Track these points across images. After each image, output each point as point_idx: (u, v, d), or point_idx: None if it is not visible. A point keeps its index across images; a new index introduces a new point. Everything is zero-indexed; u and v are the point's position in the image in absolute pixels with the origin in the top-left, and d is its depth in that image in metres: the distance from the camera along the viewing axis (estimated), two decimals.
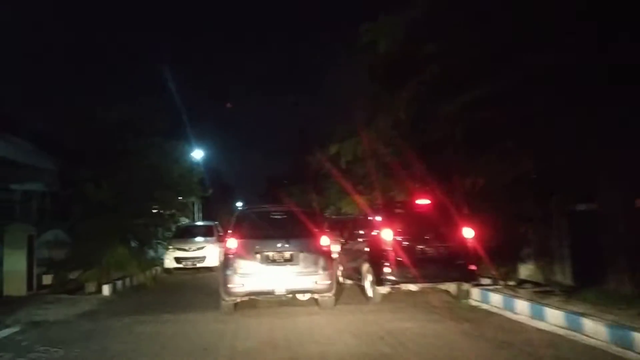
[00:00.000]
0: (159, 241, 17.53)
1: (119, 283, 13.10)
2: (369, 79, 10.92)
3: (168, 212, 18.61)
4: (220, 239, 20.17)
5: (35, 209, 18.48)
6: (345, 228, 14.86)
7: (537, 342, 6.50)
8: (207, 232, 19.29)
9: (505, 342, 6.51)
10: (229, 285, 8.71)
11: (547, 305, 7.72)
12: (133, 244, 16.00)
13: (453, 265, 9.34)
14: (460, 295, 9.84)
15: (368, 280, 9.92)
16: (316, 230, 9.21)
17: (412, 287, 9.56)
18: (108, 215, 13.53)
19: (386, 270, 9.16)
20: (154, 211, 16.66)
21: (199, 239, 18.57)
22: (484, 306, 9.18)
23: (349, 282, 12.07)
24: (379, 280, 9.32)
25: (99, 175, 13.72)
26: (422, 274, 9.12)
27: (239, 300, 9.01)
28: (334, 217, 24.65)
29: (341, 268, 12.62)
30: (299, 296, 9.18)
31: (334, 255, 17.20)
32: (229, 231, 9.45)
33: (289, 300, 10.26)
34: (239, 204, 61.09)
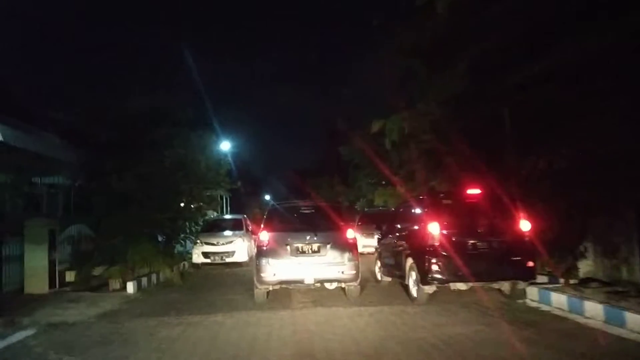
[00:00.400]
0: (186, 235, 16.94)
1: (144, 280, 12.47)
2: (411, 58, 9.90)
3: (195, 205, 18.05)
4: (250, 233, 19.58)
5: (62, 203, 18.15)
6: (381, 221, 14.19)
7: (624, 355, 5.50)
8: (235, 226, 18.59)
9: (584, 354, 5.52)
10: (262, 274, 9.23)
11: (627, 309, 6.65)
12: (160, 238, 15.50)
13: (509, 262, 8.33)
14: (514, 295, 8.85)
15: (412, 279, 9.00)
16: (342, 223, 9.66)
17: (461, 285, 8.59)
18: (132, 209, 12.93)
19: (434, 267, 8.22)
20: (181, 204, 16.08)
21: (227, 233, 17.89)
22: (545, 308, 8.15)
23: (387, 279, 11.17)
24: (425, 279, 8.38)
25: (122, 166, 13.12)
26: (475, 271, 8.15)
27: (270, 288, 9.49)
28: (366, 209, 23.74)
29: (379, 264, 11.72)
30: (327, 285, 9.55)
31: (369, 250, 16.70)
32: (262, 225, 9.90)
33: (323, 300, 9.49)
34: (267, 197, 61.40)
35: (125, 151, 13.61)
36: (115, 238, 12.45)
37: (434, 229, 8.29)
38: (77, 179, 16.06)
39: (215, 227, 18.36)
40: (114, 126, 14.35)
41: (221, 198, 38.43)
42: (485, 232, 8.46)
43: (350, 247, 9.38)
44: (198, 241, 17.15)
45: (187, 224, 16.65)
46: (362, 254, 19.20)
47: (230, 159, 25.95)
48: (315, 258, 9.24)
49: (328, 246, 9.27)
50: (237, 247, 17.12)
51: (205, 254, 16.92)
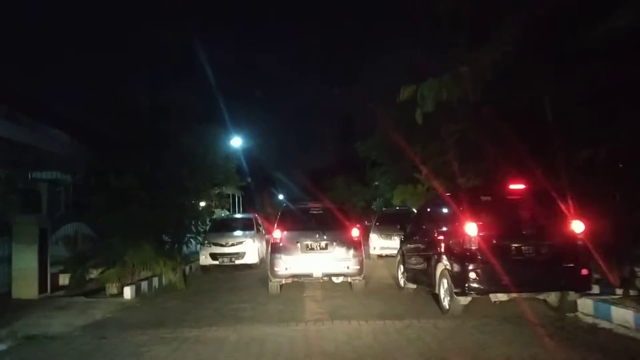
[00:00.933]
0: (192, 236, 15.89)
1: (145, 284, 11.42)
2: (446, 29, 8.63)
3: (203, 204, 17.02)
4: (261, 233, 18.47)
5: (65, 201, 17.25)
6: (402, 221, 12.95)
7: None
8: (246, 226, 17.49)
9: None
10: (275, 269, 10.06)
11: None
12: (166, 238, 14.50)
13: (559, 269, 7.08)
14: (564, 307, 7.57)
15: (443, 288, 7.79)
16: (347, 223, 10.53)
17: (502, 296, 7.36)
18: (133, 207, 11.89)
19: (472, 275, 6.99)
20: (186, 203, 15.04)
21: (237, 233, 16.80)
22: (604, 324, 6.86)
23: (412, 286, 9.97)
24: (460, 288, 7.17)
25: (123, 162, 12.10)
26: (519, 280, 6.93)
27: (283, 281, 10.27)
28: (385, 209, 22.55)
29: (402, 269, 10.51)
30: (334, 279, 10.27)
31: (389, 252, 15.51)
32: (275, 224, 10.76)
33: (341, 312, 8.34)
34: (281, 196, 60.38)
35: (126, 146, 12.62)
36: (113, 238, 11.42)
37: (472, 230, 7.07)
38: (79, 175, 15.08)
39: (224, 227, 17.27)
40: (115, 120, 13.34)
41: (232, 196, 37.59)
42: (532, 234, 7.20)
43: (355, 245, 10.20)
44: (206, 242, 16.10)
45: (193, 223, 15.59)
46: (380, 256, 18.23)
47: (241, 155, 24.96)
48: (323, 254, 10.10)
49: (335, 244, 10.13)
50: (247, 248, 16.02)
51: (214, 256, 15.84)
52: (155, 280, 12.10)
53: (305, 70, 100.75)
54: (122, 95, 12.96)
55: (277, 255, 10.08)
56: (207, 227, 17.56)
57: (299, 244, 10.15)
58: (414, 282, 9.63)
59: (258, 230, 17.50)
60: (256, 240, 16.50)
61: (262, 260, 17.70)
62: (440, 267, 7.90)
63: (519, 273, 6.95)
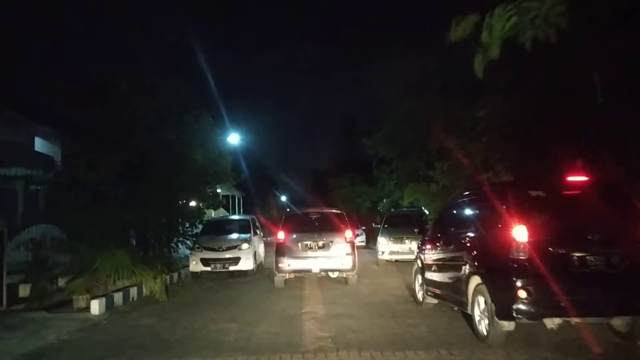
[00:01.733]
0: (180, 239, 14.29)
1: (119, 295, 9.80)
2: None
3: (194, 204, 15.42)
4: (259, 236, 16.84)
5: (43, 200, 15.65)
6: (413, 222, 13.60)
7: None
8: (242, 228, 15.85)
9: None
10: (279, 265, 11.41)
11: None
12: (152, 241, 12.91)
13: (636, 286, 5.40)
14: (635, 334, 5.89)
15: (479, 308, 6.12)
16: (342, 226, 11.82)
17: (559, 321, 5.68)
18: (106, 206, 10.28)
19: (521, 294, 5.32)
20: (174, 201, 13.43)
21: (232, 236, 15.17)
22: None
23: (432, 301, 8.31)
24: (504, 310, 5.50)
25: (95, 153, 10.49)
26: (585, 300, 5.27)
27: (287, 276, 11.57)
28: (394, 210, 20.80)
29: (419, 280, 8.85)
30: (330, 274, 11.72)
31: (400, 257, 14.00)
32: (280, 226, 12.08)
33: (348, 336, 6.69)
34: (284, 198, 58.83)
35: (102, 135, 11.00)
36: (82, 242, 9.81)
37: (521, 235, 5.40)
38: (53, 171, 13.46)
39: (217, 230, 15.65)
40: (91, 104, 11.73)
41: (232, 198, 35.99)
42: (599, 239, 5.51)
43: (348, 244, 11.53)
44: (197, 246, 14.51)
45: (181, 225, 13.98)
46: (389, 261, 16.60)
47: (239, 154, 23.39)
48: (321, 253, 11.45)
49: (331, 244, 11.48)
50: (242, 253, 14.38)
51: (205, 261, 14.21)
52: (135, 291, 10.49)
53: (308, 70, 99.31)
54: (100, 75, 11.30)
55: (281, 254, 11.49)
56: (199, 230, 16.03)
57: (300, 244, 11.53)
58: (436, 296, 7.97)
59: (255, 233, 15.88)
60: (253, 245, 14.88)
61: (259, 266, 16.13)
62: (474, 281, 6.23)
63: (584, 291, 5.29)
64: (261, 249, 17.06)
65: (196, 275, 14.44)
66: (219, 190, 32.17)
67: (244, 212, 37.69)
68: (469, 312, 6.42)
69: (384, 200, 29.34)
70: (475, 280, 6.19)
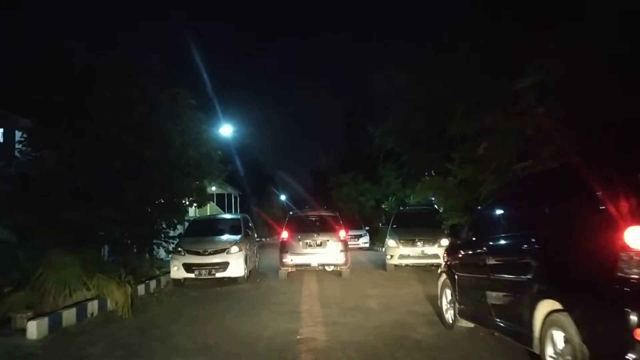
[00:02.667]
0: (157, 242, 12.37)
1: (71, 313, 7.87)
2: None
3: (178, 201, 13.50)
4: (252, 237, 14.94)
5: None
6: (429, 221, 12.38)
7: None
8: (232, 229, 13.95)
9: None
10: (283, 260, 13.15)
11: None
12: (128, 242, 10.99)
13: None
14: None
15: (556, 347, 4.16)
16: (337, 227, 13.66)
17: None
18: (57, 203, 8.35)
19: None
20: (152, 198, 11.49)
21: (220, 238, 13.26)
22: None
23: (467, 324, 6.37)
24: (618, 348, 3.53)
25: (44, 139, 8.56)
26: None
27: (289, 270, 13.27)
28: (403, 208, 18.89)
29: (448, 296, 6.91)
30: (327, 268, 13.40)
31: (413, 262, 12.57)
32: (284, 227, 13.83)
33: None
34: (283, 197, 57.03)
35: (57, 117, 9.07)
36: (26, 246, 7.89)
37: (637, 241, 3.46)
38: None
39: (203, 230, 13.73)
40: (48, 82, 9.79)
41: (228, 196, 34.03)
42: None
43: (342, 243, 13.19)
44: (179, 249, 12.60)
45: (158, 226, 12.06)
46: (398, 266, 14.70)
47: (233, 148, 21.48)
48: (318, 249, 13.05)
49: (327, 242, 13.11)
50: (231, 258, 12.48)
51: (188, 267, 12.31)
52: (95, 305, 8.57)
53: (306, 69, 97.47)
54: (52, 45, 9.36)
55: (285, 251, 13.11)
56: (183, 230, 14.13)
57: (300, 242, 13.10)
58: (475, 319, 6.03)
59: (247, 235, 13.95)
60: (244, 247, 12.97)
61: (253, 272, 14.21)
62: (545, 307, 4.28)
63: None
64: (255, 253, 15.16)
65: (178, 282, 12.57)
66: (213, 188, 30.42)
67: (241, 212, 35.77)
68: (535, 350, 4.48)
69: (390, 199, 27.43)
70: (548, 305, 4.24)
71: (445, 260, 7.25)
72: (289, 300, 9.72)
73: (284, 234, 13.45)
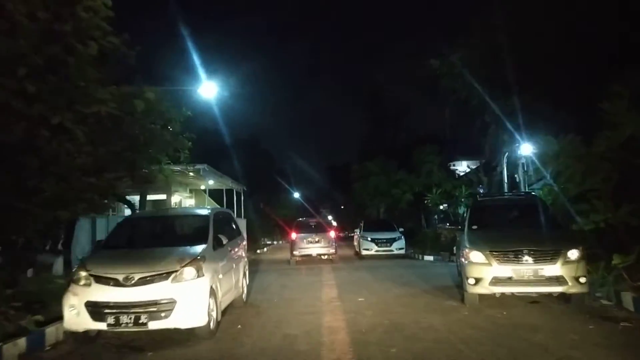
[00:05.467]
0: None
1: None
2: None
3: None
4: (226, 249, 8.69)
5: None
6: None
7: None
8: (193, 235, 7.83)
9: None
10: (294, 252, 18.46)
11: None
12: None
13: None
14: None
15: None
16: (329, 229, 20.23)
17: None
18: None
19: None
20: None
21: (163, 251, 7.06)
22: None
23: None
24: None
25: None
26: None
27: (297, 258, 18.47)
28: (481, 198, 12.30)
29: None
30: (322, 257, 18.67)
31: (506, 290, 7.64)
32: (293, 229, 19.45)
33: None
34: (297, 195, 51.29)
35: None
36: None
37: None
38: None
39: (140, 238, 7.67)
40: None
41: (229, 192, 27.79)
42: None
43: (333, 239, 19.00)
44: (83, 273, 6.50)
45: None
46: (489, 296, 7.72)
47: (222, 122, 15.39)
48: (317, 244, 18.49)
49: (322, 239, 18.59)
50: (181, 291, 6.39)
51: (96, 310, 6.24)
52: None
53: (327, 56, 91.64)
54: None
55: (294, 247, 18.53)
56: (103, 238, 7.99)
57: (304, 240, 18.52)
58: None
59: (219, 244, 7.67)
60: (210, 269, 6.85)
61: (239, 303, 8.19)
62: None
63: None
64: (242, 271, 9.06)
65: (82, 340, 6.51)
66: (211, 182, 24.33)
67: (246, 212, 29.57)
68: None
69: (434, 191, 21.02)
70: None
71: None
72: None
73: (293, 235, 18.88)
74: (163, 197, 23.52)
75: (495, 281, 7.98)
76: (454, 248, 11.51)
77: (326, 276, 14.02)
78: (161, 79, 13.63)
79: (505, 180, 18.48)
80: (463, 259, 8.71)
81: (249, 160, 36.29)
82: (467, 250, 8.44)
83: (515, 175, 20.25)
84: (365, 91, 42.34)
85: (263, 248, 30.43)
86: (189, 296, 6.42)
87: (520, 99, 9.07)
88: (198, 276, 6.62)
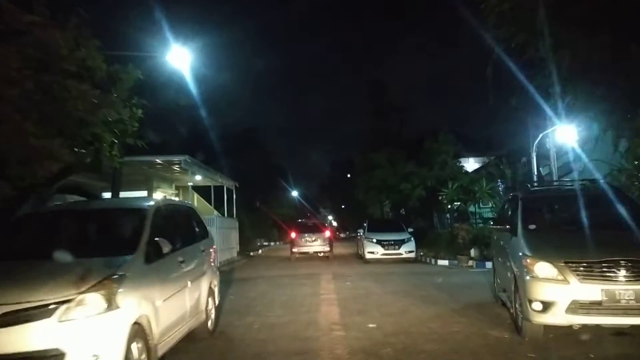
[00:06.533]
0: None
1: None
2: None
3: None
4: (195, 257, 5.92)
5: None
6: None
7: None
8: (119, 240, 5.16)
9: None
10: (293, 250, 20.45)
11: None
12: None
13: None
14: None
15: None
16: (324, 229, 22.01)
17: None
18: None
19: None
20: None
21: (56, 266, 4.37)
22: None
23: None
24: None
25: None
26: None
27: (297, 256, 20.28)
28: (533, 188, 9.42)
29: None
30: (319, 254, 20.42)
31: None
32: (292, 229, 21.81)
33: None
34: (295, 193, 48.95)
35: None
36: None
37: None
38: None
39: (37, 243, 4.99)
40: None
41: (219, 189, 25.07)
42: None
43: (328, 239, 20.69)
44: None
45: None
46: (569, 332, 4.96)
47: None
48: (314, 242, 20.25)
49: (319, 238, 20.39)
50: (73, 335, 3.68)
51: None
52: None
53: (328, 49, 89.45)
54: None
55: (293, 245, 20.53)
56: None
57: (303, 239, 20.33)
58: None
59: (158, 254, 4.95)
60: (135, 296, 4.18)
61: (178, 354, 5.41)
62: None
63: None
64: (211, 288, 6.45)
65: None
66: (198, 177, 21.72)
67: (238, 211, 26.75)
68: None
69: (450, 185, 18.31)
70: None
71: None
72: None
73: (293, 234, 21.07)
74: (143, 193, 20.86)
75: (576, 307, 5.31)
76: (493, 252, 8.89)
77: (325, 287, 11.39)
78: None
79: (535, 172, 15.91)
80: (518, 271, 6.04)
81: (244, 156, 33.64)
82: (528, 260, 5.75)
83: (540, 169, 17.70)
84: (369, 81, 39.95)
85: (258, 250, 27.67)
86: (88, 344, 3.78)
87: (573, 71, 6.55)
88: (109, 308, 3.96)
